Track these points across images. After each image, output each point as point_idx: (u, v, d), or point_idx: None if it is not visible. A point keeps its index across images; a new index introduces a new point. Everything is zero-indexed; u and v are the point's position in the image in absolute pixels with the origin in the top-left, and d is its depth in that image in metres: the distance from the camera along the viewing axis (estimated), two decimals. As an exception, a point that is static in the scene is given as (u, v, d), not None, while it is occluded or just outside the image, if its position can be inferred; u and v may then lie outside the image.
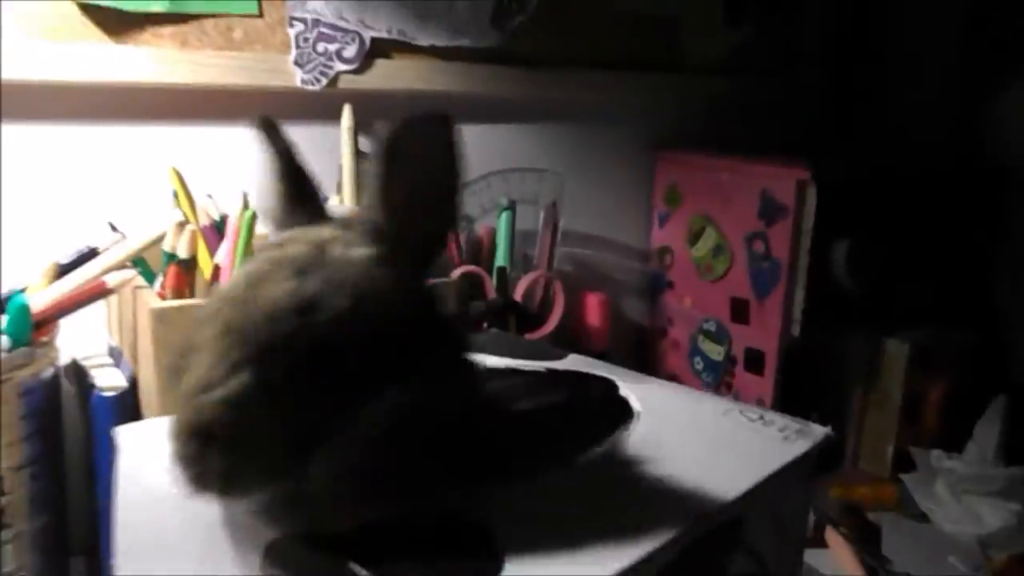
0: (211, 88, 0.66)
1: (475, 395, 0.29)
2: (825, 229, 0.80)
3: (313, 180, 0.32)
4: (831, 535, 0.76)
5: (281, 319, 0.25)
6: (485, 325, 0.74)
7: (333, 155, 0.67)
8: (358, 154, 0.67)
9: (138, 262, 0.57)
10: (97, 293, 0.53)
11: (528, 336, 0.80)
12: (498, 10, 0.79)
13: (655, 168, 0.96)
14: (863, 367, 0.90)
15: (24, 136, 0.62)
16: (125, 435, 0.32)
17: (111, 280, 0.52)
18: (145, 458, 0.31)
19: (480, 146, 0.82)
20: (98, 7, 0.60)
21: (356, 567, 0.22)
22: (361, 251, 0.27)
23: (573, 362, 0.41)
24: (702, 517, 0.27)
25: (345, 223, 0.29)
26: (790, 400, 0.87)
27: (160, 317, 0.50)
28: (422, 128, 0.28)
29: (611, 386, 0.37)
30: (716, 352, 0.89)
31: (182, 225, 0.54)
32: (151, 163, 0.65)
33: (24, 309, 0.51)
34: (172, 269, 0.54)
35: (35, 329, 0.53)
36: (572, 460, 0.30)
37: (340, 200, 0.65)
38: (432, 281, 0.29)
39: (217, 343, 0.25)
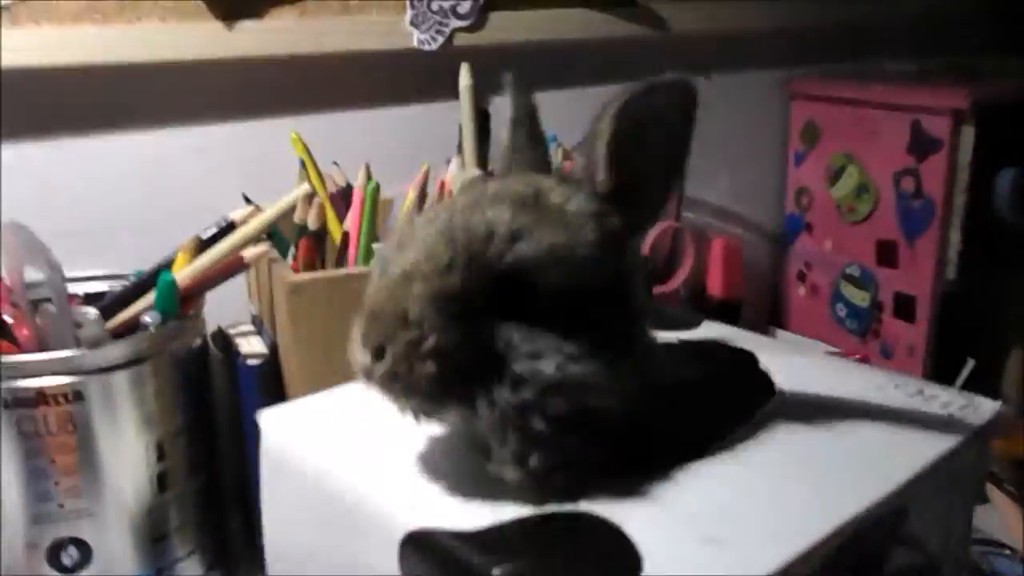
0: (331, 56, 0.66)
1: (650, 377, 0.28)
2: (986, 160, 0.73)
3: (543, 135, 0.33)
4: (994, 493, 0.71)
5: (493, 238, 0.26)
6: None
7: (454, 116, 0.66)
8: (479, 114, 0.65)
9: (272, 234, 0.59)
10: (236, 267, 0.55)
11: (657, 290, 0.77)
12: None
13: (790, 103, 0.90)
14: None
15: (157, 116, 0.64)
16: (268, 418, 0.33)
17: (247, 254, 0.54)
18: (289, 442, 0.31)
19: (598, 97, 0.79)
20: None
21: (496, 568, 0.22)
22: (579, 202, 0.27)
23: (707, 330, 0.39)
24: (862, 510, 0.25)
25: (564, 177, 0.29)
26: (945, 348, 0.82)
27: (294, 290, 0.51)
28: (664, 94, 0.28)
29: (750, 359, 0.35)
30: (861, 298, 0.84)
31: (310, 197, 0.54)
32: (280, 135, 0.66)
33: (172, 285, 0.53)
34: (303, 242, 0.55)
35: (182, 304, 0.55)
36: (713, 442, 0.29)
37: (461, 162, 0.65)
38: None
39: (430, 242, 0.26)
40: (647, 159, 0.28)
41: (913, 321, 0.79)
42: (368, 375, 0.26)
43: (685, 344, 0.36)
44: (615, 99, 0.28)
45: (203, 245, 0.59)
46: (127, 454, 0.53)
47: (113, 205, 0.64)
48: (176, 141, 0.65)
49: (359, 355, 0.26)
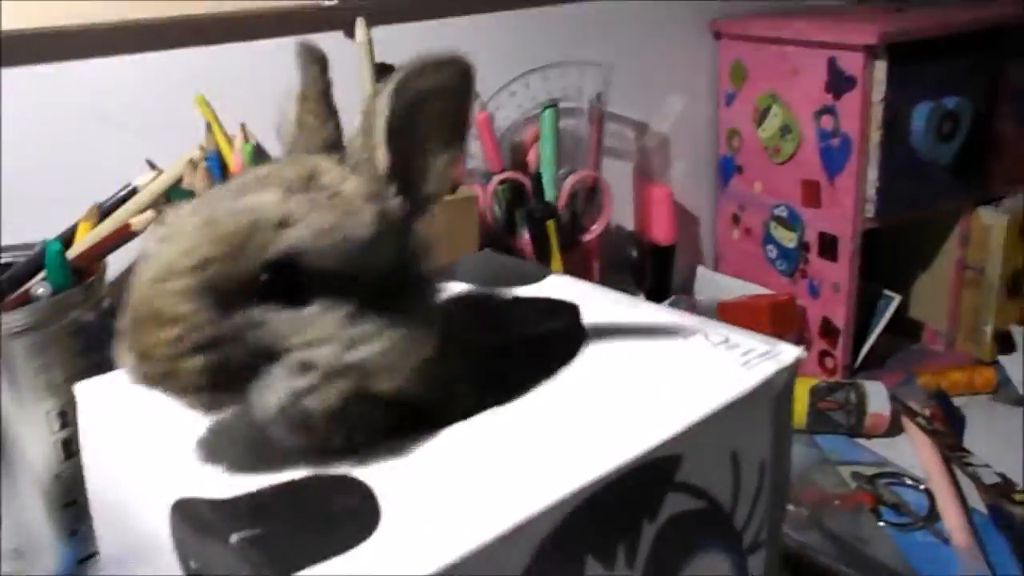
0: (232, 14, 0.66)
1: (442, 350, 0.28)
2: (900, 96, 0.73)
3: (335, 110, 0.32)
4: (908, 424, 0.73)
5: (258, 226, 0.25)
6: (527, 235, 0.72)
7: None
8: (377, 69, 0.65)
9: (172, 196, 0.59)
10: (126, 235, 0.55)
11: (581, 238, 0.78)
12: None
13: (717, 42, 0.89)
14: (956, 242, 0.83)
15: (58, 79, 0.64)
16: (84, 389, 0.33)
17: (135, 221, 0.54)
18: (98, 413, 0.32)
19: (514, 40, 0.78)
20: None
21: (234, 535, 0.23)
22: (354, 184, 0.27)
23: (552, 284, 0.39)
24: (618, 466, 0.25)
25: (342, 158, 0.29)
26: (871, 284, 0.82)
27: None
28: (439, 70, 0.27)
29: (574, 313, 0.35)
30: (789, 239, 0.84)
31: (194, 163, 0.54)
32: (184, 96, 0.65)
33: (59, 255, 0.53)
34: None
35: (79, 273, 0.56)
36: (506, 401, 0.29)
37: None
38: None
39: (189, 234, 0.25)
40: (426, 137, 0.28)
41: (836, 260, 0.79)
42: (137, 378, 0.26)
43: (512, 301, 0.37)
44: (390, 78, 0.27)
45: (104, 213, 0.60)
46: (31, 422, 0.54)
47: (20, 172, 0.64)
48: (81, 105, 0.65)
49: (125, 358, 0.26)
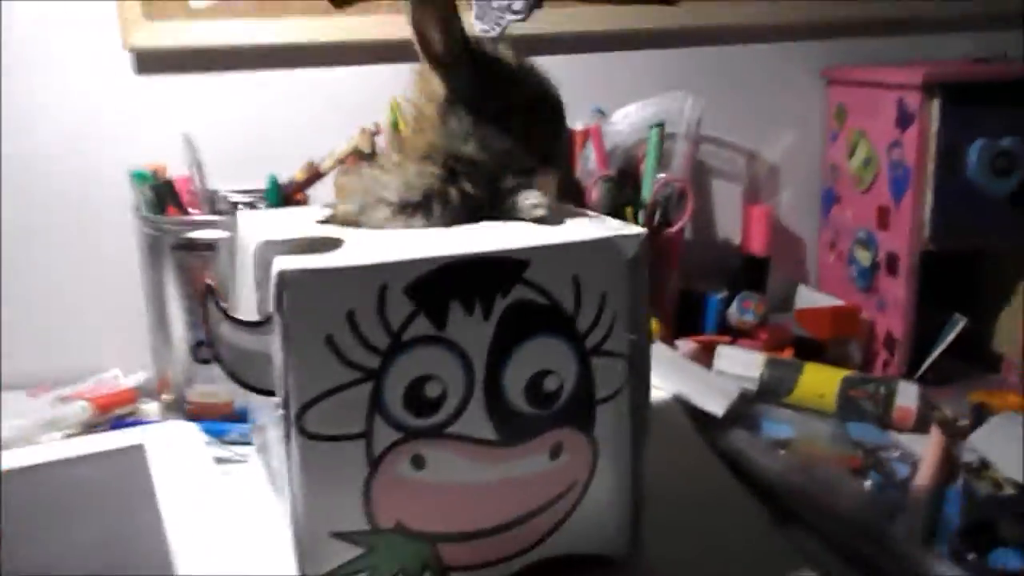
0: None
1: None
2: (955, 131, 0.83)
3: None
4: (933, 425, 0.81)
5: None
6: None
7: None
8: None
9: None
10: (317, 176, 0.82)
11: (667, 231, 0.95)
12: (650, -43, 0.94)
13: (827, 89, 1.02)
14: (1012, 270, 0.89)
15: (302, 80, 0.94)
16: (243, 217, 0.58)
17: (324, 168, 0.82)
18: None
19: (638, 72, 0.98)
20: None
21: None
22: None
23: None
24: (487, 249, 0.45)
25: None
26: (929, 304, 0.90)
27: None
28: None
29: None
30: (866, 259, 0.95)
31: (367, 132, 0.81)
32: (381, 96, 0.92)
33: (273, 183, 0.82)
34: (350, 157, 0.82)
35: (286, 199, 0.84)
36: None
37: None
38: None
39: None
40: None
41: (897, 276, 0.89)
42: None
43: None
44: None
45: (314, 167, 0.88)
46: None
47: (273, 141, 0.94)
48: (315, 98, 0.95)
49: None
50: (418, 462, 0.46)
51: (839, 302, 0.97)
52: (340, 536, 0.46)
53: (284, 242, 0.47)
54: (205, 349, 0.83)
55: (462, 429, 0.47)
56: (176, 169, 0.84)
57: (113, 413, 0.86)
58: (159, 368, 0.85)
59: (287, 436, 0.45)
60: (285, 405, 0.44)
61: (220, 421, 0.82)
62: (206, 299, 0.46)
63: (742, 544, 0.57)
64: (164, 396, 0.85)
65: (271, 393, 0.46)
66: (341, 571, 0.47)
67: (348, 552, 0.46)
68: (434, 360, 0.45)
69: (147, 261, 0.82)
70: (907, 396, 0.81)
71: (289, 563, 0.48)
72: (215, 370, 0.82)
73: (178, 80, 0.93)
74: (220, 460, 0.71)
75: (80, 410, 0.86)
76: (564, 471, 0.50)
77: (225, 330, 0.46)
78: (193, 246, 0.80)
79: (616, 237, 0.49)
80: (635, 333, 0.50)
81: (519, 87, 0.53)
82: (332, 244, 0.46)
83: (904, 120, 0.86)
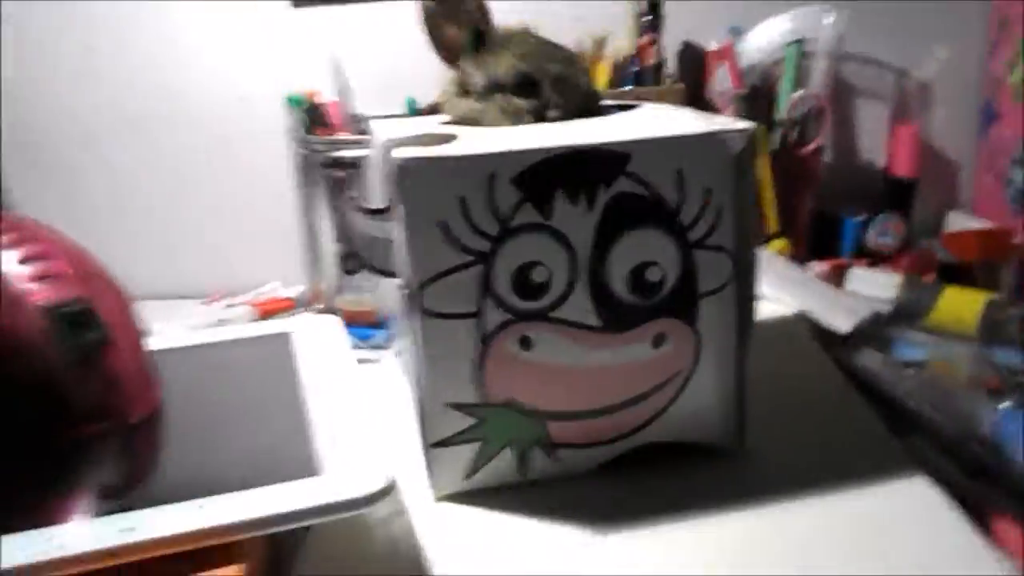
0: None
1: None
2: None
3: None
4: None
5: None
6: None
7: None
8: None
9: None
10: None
11: (799, 150, 0.93)
12: None
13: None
14: None
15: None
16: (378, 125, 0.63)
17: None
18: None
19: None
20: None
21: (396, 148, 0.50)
22: None
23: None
24: (588, 142, 0.47)
25: None
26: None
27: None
28: None
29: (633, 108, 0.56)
30: (1022, 179, 0.89)
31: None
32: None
33: (412, 103, 0.87)
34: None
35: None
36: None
37: (625, 35, 0.89)
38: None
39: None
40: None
41: (1056, 196, 0.84)
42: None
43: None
44: None
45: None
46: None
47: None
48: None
49: None
50: (526, 343, 0.50)
51: (988, 227, 0.92)
52: (456, 407, 0.51)
53: (405, 138, 0.51)
54: (351, 260, 0.90)
55: (567, 314, 0.50)
56: (327, 95, 0.91)
57: (273, 319, 0.95)
58: (313, 279, 0.93)
59: (408, 313, 0.49)
60: (406, 285, 0.49)
61: (365, 327, 0.89)
62: (342, 192, 0.51)
63: (855, 448, 0.57)
64: (317, 305, 0.94)
65: (394, 275, 0.51)
66: (457, 438, 0.51)
67: (463, 422, 0.51)
68: (540, 247, 0.48)
69: (300, 179, 0.90)
70: (1059, 320, 0.77)
71: (414, 432, 0.53)
72: (360, 279, 0.90)
73: (329, 11, 0.99)
74: (361, 361, 0.78)
75: (245, 313, 0.96)
76: (667, 360, 0.52)
77: (356, 218, 0.51)
78: (340, 164, 0.86)
79: (721, 132, 0.49)
80: (741, 229, 0.51)
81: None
82: (447, 139, 0.50)
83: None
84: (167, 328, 0.81)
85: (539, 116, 0.56)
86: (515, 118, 0.56)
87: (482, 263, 0.48)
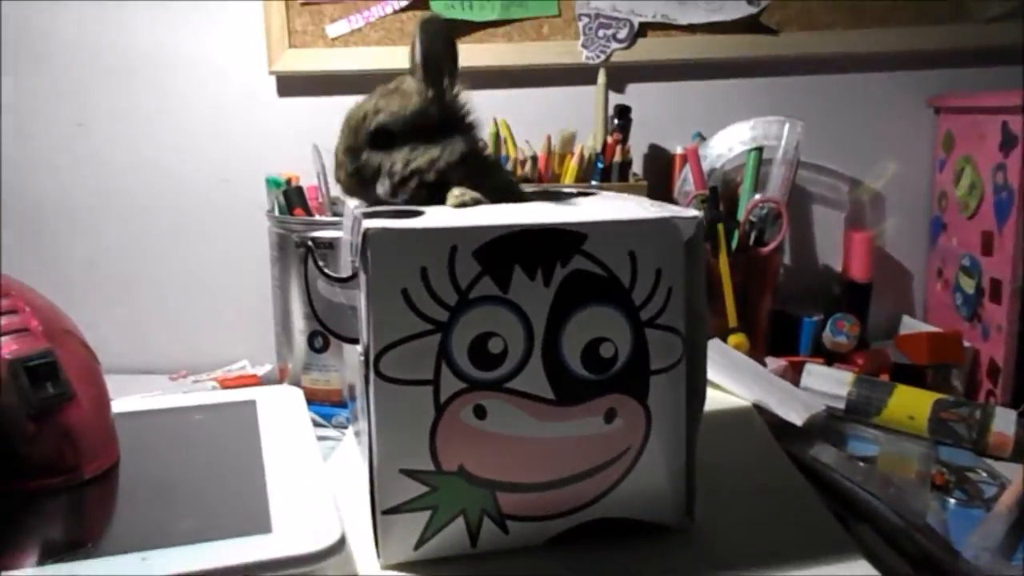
0: (529, 68, 1.00)
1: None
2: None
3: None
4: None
5: (365, 117, 0.58)
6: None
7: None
8: (617, 108, 0.94)
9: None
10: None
11: (760, 250, 0.97)
12: (752, -12, 0.98)
13: (936, 116, 1.02)
14: None
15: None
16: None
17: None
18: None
19: (739, 98, 1.02)
20: (453, 20, 0.98)
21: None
22: (409, 83, 0.60)
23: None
24: (546, 221, 0.50)
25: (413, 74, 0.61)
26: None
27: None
28: (434, 31, 0.58)
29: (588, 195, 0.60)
30: (969, 286, 0.93)
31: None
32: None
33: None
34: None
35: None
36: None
37: (592, 134, 0.94)
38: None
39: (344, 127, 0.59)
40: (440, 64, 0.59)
41: (1000, 303, 0.88)
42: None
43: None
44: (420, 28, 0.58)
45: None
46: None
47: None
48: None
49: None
50: (480, 412, 0.51)
51: (940, 331, 0.95)
52: (408, 473, 0.51)
53: (373, 210, 0.53)
54: (319, 338, 0.92)
55: (521, 385, 0.51)
56: (308, 179, 0.94)
57: (237, 393, 0.96)
58: (281, 356, 0.94)
59: (367, 379, 0.51)
60: (366, 351, 0.50)
61: (329, 405, 0.90)
62: (305, 259, 0.53)
63: (802, 533, 0.58)
64: (283, 383, 0.94)
65: (356, 341, 0.52)
66: (408, 506, 0.52)
67: (415, 489, 0.52)
68: (497, 319, 0.50)
69: (275, 257, 0.92)
70: (1005, 422, 0.79)
71: (365, 500, 0.53)
72: (327, 358, 0.91)
73: (312, 101, 1.04)
74: (324, 439, 0.79)
75: (210, 389, 0.96)
76: (618, 435, 0.54)
77: (321, 285, 0.53)
78: (316, 244, 0.89)
79: (673, 218, 0.52)
80: (692, 311, 0.53)
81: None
82: (414, 213, 0.53)
83: (1008, 143, 0.85)
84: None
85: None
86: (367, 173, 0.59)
87: (440, 331, 0.50)
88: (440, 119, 0.59)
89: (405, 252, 0.49)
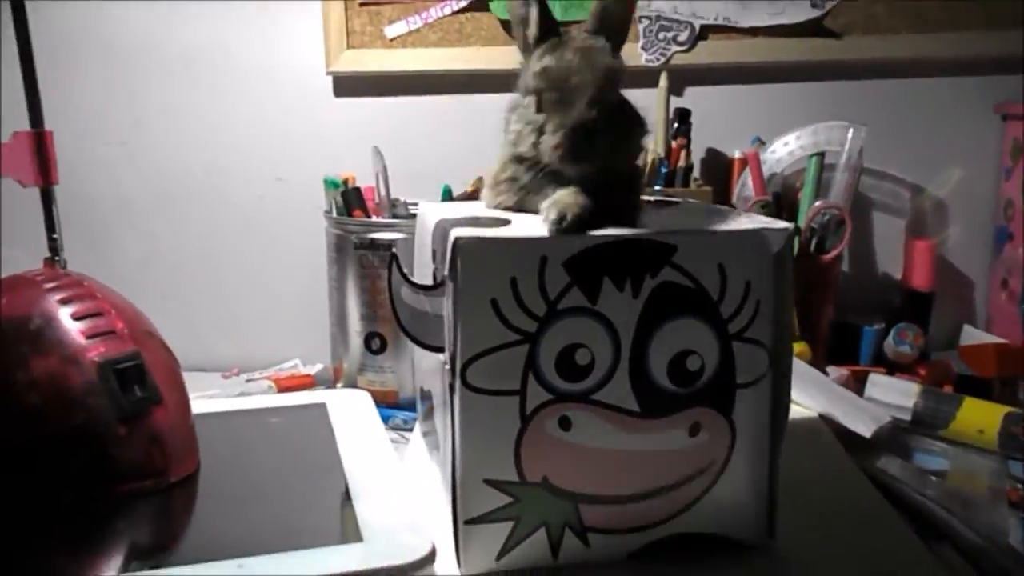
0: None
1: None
2: None
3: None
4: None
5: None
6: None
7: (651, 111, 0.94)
8: (678, 112, 0.93)
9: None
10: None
11: (822, 257, 0.95)
12: (817, -9, 0.97)
13: (1003, 123, 1.00)
14: None
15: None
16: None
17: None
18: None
19: (804, 103, 1.00)
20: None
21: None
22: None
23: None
24: (637, 233, 0.49)
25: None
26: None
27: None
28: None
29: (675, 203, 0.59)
30: (1038, 297, 0.91)
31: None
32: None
33: (447, 190, 0.90)
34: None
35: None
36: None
37: (655, 139, 0.93)
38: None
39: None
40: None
41: (1072, 317, 0.86)
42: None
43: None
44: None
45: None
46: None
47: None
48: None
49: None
50: (565, 423, 0.51)
51: (1006, 342, 0.93)
52: (492, 484, 0.51)
53: (462, 218, 0.53)
54: (376, 339, 0.91)
55: (607, 397, 0.51)
56: (363, 179, 0.94)
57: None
58: (336, 356, 0.94)
59: (451, 388, 0.50)
60: (452, 360, 0.50)
61: (386, 407, 0.90)
62: (390, 266, 0.53)
63: (884, 551, 0.57)
64: (338, 383, 0.94)
65: (440, 349, 0.52)
66: (491, 516, 0.51)
67: (498, 500, 0.51)
68: (585, 330, 0.50)
69: (332, 258, 0.92)
70: (1077, 437, 0.77)
71: (445, 506, 0.53)
72: (384, 360, 0.91)
73: (369, 101, 1.04)
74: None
75: (266, 388, 0.96)
76: (702, 450, 0.53)
77: (405, 293, 0.53)
78: (374, 246, 0.89)
79: (763, 229, 0.52)
80: (778, 325, 0.52)
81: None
82: (501, 222, 0.52)
83: (1084, 152, 0.83)
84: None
85: (540, 134, 0.53)
86: (523, 128, 0.55)
87: (528, 342, 0.50)
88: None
89: (495, 262, 0.49)
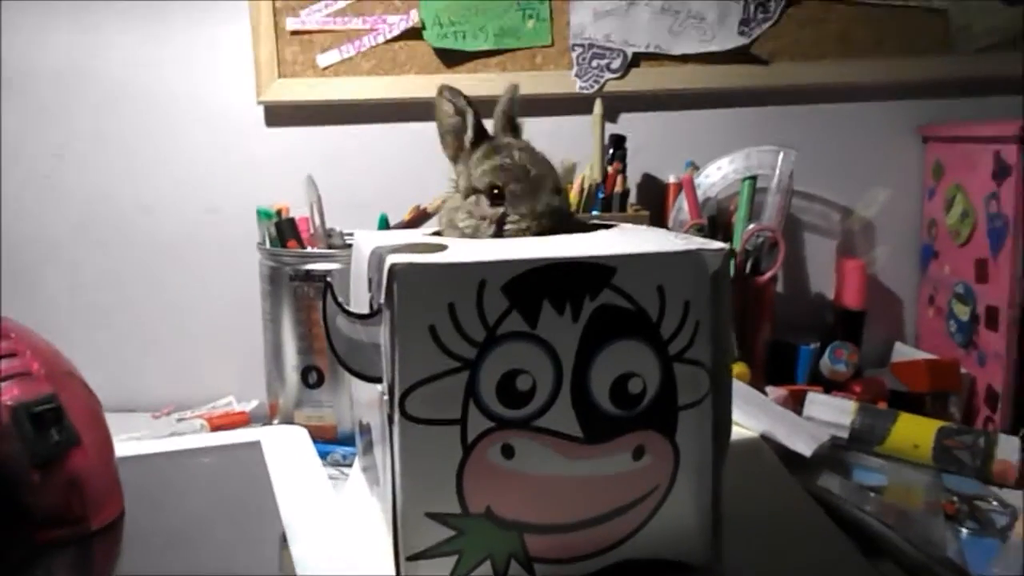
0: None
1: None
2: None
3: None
4: None
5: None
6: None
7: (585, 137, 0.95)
8: (612, 138, 0.94)
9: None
10: (424, 216, 0.89)
11: (757, 279, 0.96)
12: (744, 19, 0.99)
13: (924, 145, 1.03)
14: None
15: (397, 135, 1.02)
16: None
17: (430, 208, 0.88)
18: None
19: (733, 128, 1.02)
20: (446, 49, 0.98)
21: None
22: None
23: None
24: (574, 254, 0.49)
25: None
26: (1032, 358, 0.88)
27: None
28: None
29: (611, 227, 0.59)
30: (964, 313, 0.94)
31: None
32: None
33: (384, 219, 0.89)
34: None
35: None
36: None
37: (591, 164, 0.93)
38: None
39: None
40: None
41: (997, 330, 0.88)
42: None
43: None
44: None
45: (419, 210, 0.95)
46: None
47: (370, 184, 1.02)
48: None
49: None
50: (508, 451, 0.50)
51: (937, 358, 0.96)
52: (434, 517, 0.49)
53: (398, 245, 0.52)
54: (313, 373, 0.89)
55: (550, 423, 0.50)
56: (297, 210, 0.92)
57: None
58: (271, 392, 0.92)
59: (390, 419, 0.49)
60: (390, 390, 0.49)
61: (324, 442, 0.87)
62: (325, 295, 0.51)
63: (828, 568, 0.57)
64: (274, 419, 0.91)
65: (378, 380, 0.51)
66: (434, 551, 0.50)
67: (441, 533, 0.50)
68: (526, 355, 0.49)
69: (266, 291, 0.90)
70: (1008, 449, 0.79)
71: (386, 543, 0.51)
72: (321, 394, 0.88)
73: (302, 131, 1.02)
74: (323, 475, 0.76)
75: (198, 427, 0.93)
76: (646, 473, 0.52)
77: (340, 322, 0.51)
78: (309, 277, 0.87)
79: (700, 250, 0.52)
80: (718, 345, 0.52)
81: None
82: (438, 248, 0.51)
83: (1001, 172, 0.86)
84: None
85: (500, 225, 0.58)
86: (479, 222, 0.59)
87: (468, 369, 0.48)
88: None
89: (432, 288, 0.48)
